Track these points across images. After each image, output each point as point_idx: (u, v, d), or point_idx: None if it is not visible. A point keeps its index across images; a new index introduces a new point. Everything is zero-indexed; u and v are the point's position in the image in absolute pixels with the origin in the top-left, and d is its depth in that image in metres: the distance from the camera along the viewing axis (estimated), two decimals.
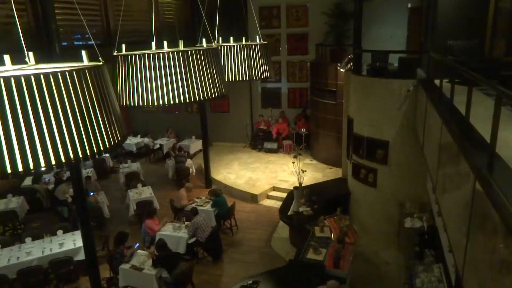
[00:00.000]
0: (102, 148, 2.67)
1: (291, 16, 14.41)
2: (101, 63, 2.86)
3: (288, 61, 14.92)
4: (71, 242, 8.13)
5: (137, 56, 4.60)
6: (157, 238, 8.16)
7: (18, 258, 7.59)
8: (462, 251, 2.97)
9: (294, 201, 9.21)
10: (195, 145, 15.25)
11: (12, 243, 8.30)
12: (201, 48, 5.21)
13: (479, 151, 2.81)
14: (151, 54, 4.59)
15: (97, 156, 2.68)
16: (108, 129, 2.75)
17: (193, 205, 9.88)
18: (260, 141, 15.26)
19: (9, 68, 2.57)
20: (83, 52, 2.87)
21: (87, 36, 8.05)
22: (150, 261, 7.36)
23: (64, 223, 9.41)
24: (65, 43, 7.91)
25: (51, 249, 7.90)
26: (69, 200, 10.12)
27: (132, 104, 4.73)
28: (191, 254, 8.51)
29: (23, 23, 6.70)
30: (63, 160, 2.41)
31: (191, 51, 4.76)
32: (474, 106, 3.47)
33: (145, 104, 4.66)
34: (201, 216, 8.61)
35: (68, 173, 10.73)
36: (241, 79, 7.92)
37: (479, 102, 3.97)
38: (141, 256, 7.54)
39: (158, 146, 15.52)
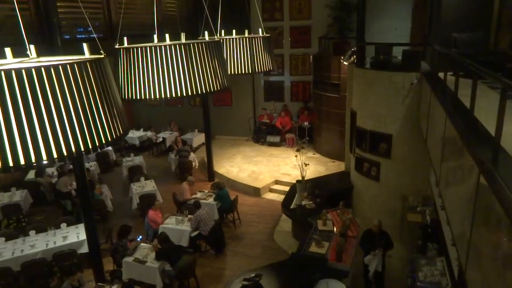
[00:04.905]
0: (104, 141, 2.67)
1: (294, 9, 14.31)
2: (102, 56, 2.85)
3: (291, 54, 14.85)
4: (74, 235, 8.17)
5: (139, 49, 4.59)
6: (160, 231, 8.20)
7: (22, 251, 7.64)
8: (466, 244, 2.96)
9: (296, 194, 9.21)
10: (198, 138, 15.26)
11: (16, 236, 8.34)
12: (203, 41, 5.18)
13: (484, 145, 2.79)
14: (153, 47, 4.57)
15: (99, 149, 2.68)
16: (110, 122, 2.74)
17: (198, 195, 9.93)
18: (262, 134, 15.25)
19: (11, 61, 2.56)
20: (85, 45, 2.86)
21: (89, 29, 8.03)
22: (153, 254, 7.39)
23: (68, 216, 9.45)
24: (67, 36, 7.89)
25: (55, 242, 7.94)
26: (74, 193, 10.15)
27: (134, 98, 4.72)
28: (194, 247, 8.54)
29: (25, 16, 6.68)
30: (65, 153, 2.41)
31: (193, 44, 4.74)
32: (479, 99, 3.44)
33: (147, 97, 4.65)
34: (204, 209, 8.63)
35: (70, 166, 10.77)
36: (243, 72, 7.90)
37: (483, 95, 3.94)
38: (144, 249, 7.58)
39: (161, 139, 15.54)
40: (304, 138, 14.39)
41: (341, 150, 11.53)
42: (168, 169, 13.47)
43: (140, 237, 8.00)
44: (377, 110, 8.28)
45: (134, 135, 15.56)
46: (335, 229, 7.71)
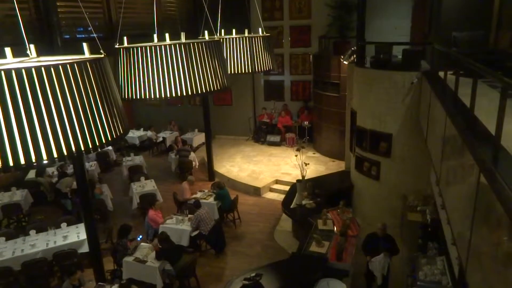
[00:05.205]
0: (104, 141, 2.67)
1: (293, 8, 14.30)
2: (102, 56, 2.85)
3: (291, 53, 14.84)
4: (75, 234, 8.18)
5: (139, 48, 4.58)
6: (160, 231, 8.20)
7: (22, 250, 7.65)
8: (466, 244, 2.96)
9: (297, 194, 9.21)
10: (198, 138, 15.26)
11: (17, 235, 8.35)
12: (203, 40, 5.18)
13: (484, 144, 2.79)
14: (152, 47, 4.57)
15: (99, 149, 2.68)
16: (110, 121, 2.74)
17: (198, 194, 9.93)
18: (263, 134, 15.25)
19: (11, 61, 2.56)
20: (84, 45, 2.86)
21: (89, 29, 8.03)
22: (153, 254, 7.39)
23: (68, 216, 9.46)
24: (67, 36, 7.89)
25: (55, 242, 7.95)
26: (69, 195, 10.14)
27: (134, 97, 4.72)
28: (194, 247, 8.55)
29: (25, 15, 6.68)
30: (65, 153, 2.41)
31: (193, 43, 4.74)
32: (479, 98, 3.44)
33: (147, 97, 4.65)
34: (204, 209, 8.63)
35: (72, 167, 10.77)
36: (243, 72, 7.89)
37: (483, 94, 3.94)
38: (144, 249, 7.58)
39: (161, 139, 15.54)
40: (304, 137, 14.39)
41: (341, 150, 11.53)
42: (168, 169, 13.48)
43: (140, 236, 8.01)
44: (377, 110, 8.27)
45: (134, 134, 15.56)
46: (335, 228, 7.71)
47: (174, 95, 4.69)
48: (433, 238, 6.61)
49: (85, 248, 7.82)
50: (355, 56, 9.57)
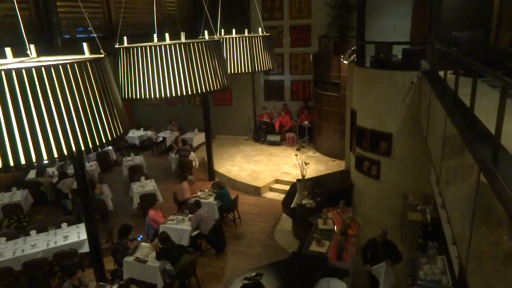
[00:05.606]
0: (104, 141, 2.67)
1: (293, 8, 14.30)
2: (102, 56, 2.85)
3: (291, 53, 14.84)
4: (75, 234, 8.18)
5: (139, 48, 4.58)
6: (160, 231, 8.20)
7: (23, 250, 7.66)
8: (466, 243, 2.96)
9: (297, 193, 9.21)
10: (198, 138, 15.26)
11: (17, 235, 8.36)
12: (203, 40, 5.18)
13: (484, 143, 2.79)
14: (152, 47, 4.57)
15: (99, 149, 2.68)
16: (110, 121, 2.74)
17: (198, 194, 9.94)
18: (263, 133, 15.25)
19: (11, 61, 2.56)
20: (85, 45, 2.86)
21: (89, 28, 8.03)
22: (153, 254, 7.39)
23: (68, 216, 9.46)
24: (67, 36, 7.89)
25: (55, 242, 7.95)
26: (70, 196, 10.13)
27: (134, 97, 4.72)
28: (195, 246, 8.55)
29: (25, 15, 6.68)
30: (66, 153, 2.41)
31: (193, 43, 4.74)
32: (479, 97, 3.44)
33: (147, 96, 4.65)
34: (204, 208, 8.63)
35: (72, 167, 10.77)
36: (243, 71, 7.89)
37: (483, 93, 3.94)
38: (145, 249, 7.59)
39: (161, 139, 15.54)
40: (304, 137, 14.39)
41: (341, 149, 11.53)
42: (168, 169, 13.48)
43: (141, 236, 8.01)
44: (377, 109, 8.27)
45: (134, 134, 15.57)
46: (335, 228, 7.72)
47: (174, 95, 4.69)
48: (433, 237, 6.61)
49: (85, 248, 7.83)
50: (355, 55, 9.57)
